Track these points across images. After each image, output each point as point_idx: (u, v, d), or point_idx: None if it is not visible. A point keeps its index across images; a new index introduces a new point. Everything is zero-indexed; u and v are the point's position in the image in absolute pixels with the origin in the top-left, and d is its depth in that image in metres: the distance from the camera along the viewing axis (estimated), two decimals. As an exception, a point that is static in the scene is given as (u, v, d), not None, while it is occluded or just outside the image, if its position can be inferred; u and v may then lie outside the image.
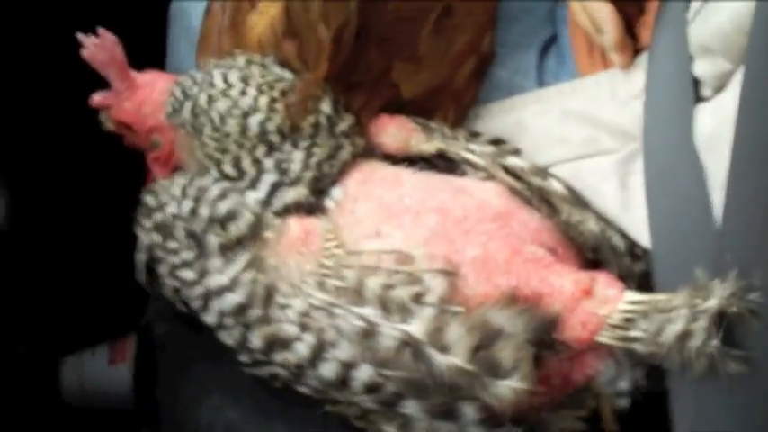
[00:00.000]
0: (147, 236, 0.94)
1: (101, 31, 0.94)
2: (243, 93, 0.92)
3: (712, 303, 0.73)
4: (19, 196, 1.19)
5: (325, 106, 0.93)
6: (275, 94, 0.92)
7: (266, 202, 0.89)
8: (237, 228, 0.88)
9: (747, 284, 0.71)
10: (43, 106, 1.22)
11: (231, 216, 0.88)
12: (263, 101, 0.91)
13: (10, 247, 1.28)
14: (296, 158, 0.90)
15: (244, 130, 0.90)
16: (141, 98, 0.95)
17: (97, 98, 0.96)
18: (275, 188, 0.89)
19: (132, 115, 0.96)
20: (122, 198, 0.96)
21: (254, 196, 0.89)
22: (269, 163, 0.90)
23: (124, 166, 1.07)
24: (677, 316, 0.75)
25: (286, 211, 0.89)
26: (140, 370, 1.16)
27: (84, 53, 0.94)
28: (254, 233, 0.88)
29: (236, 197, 0.89)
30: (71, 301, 1.34)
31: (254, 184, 0.90)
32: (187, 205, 0.90)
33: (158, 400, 1.06)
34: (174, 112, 0.94)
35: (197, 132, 0.92)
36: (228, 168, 0.90)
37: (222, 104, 0.91)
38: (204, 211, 0.89)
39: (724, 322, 0.73)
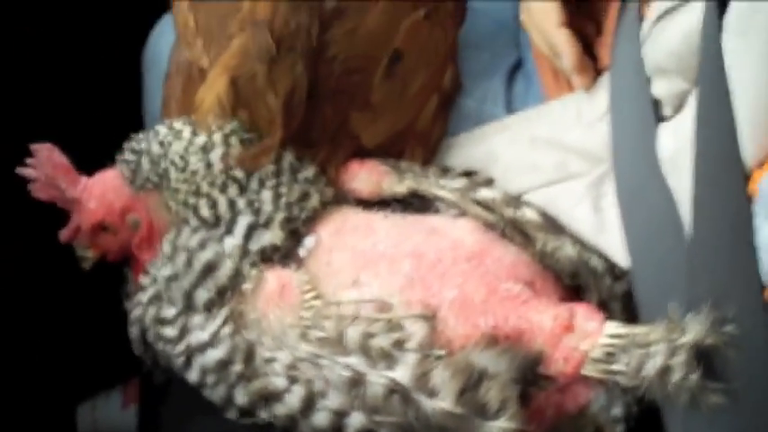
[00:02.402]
0: (137, 309, 0.94)
1: (32, 148, 0.93)
2: (194, 134, 0.93)
3: (689, 338, 0.73)
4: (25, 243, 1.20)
5: (288, 155, 0.93)
6: (227, 131, 0.93)
7: (244, 249, 0.89)
8: (218, 279, 0.88)
9: (721, 317, 0.71)
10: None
11: (212, 267, 0.88)
12: (218, 136, 0.92)
13: (20, 296, 1.29)
14: (265, 198, 0.91)
15: (208, 164, 0.91)
16: (100, 189, 0.94)
17: (66, 233, 0.95)
18: (251, 230, 0.89)
19: (101, 209, 0.94)
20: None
21: (232, 242, 0.89)
22: (242, 203, 0.90)
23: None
24: (656, 351, 0.75)
25: (263, 257, 0.89)
26: (144, 417, 1.17)
27: (30, 177, 0.93)
28: (234, 284, 0.88)
29: (214, 246, 0.89)
30: (83, 346, 1.35)
31: (230, 228, 0.90)
32: (181, 259, 0.90)
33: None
34: (133, 174, 0.93)
35: (164, 181, 0.92)
36: (206, 211, 0.90)
37: (177, 145, 0.92)
38: (197, 264, 0.89)
39: (703, 355, 0.73)
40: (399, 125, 1.00)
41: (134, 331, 0.95)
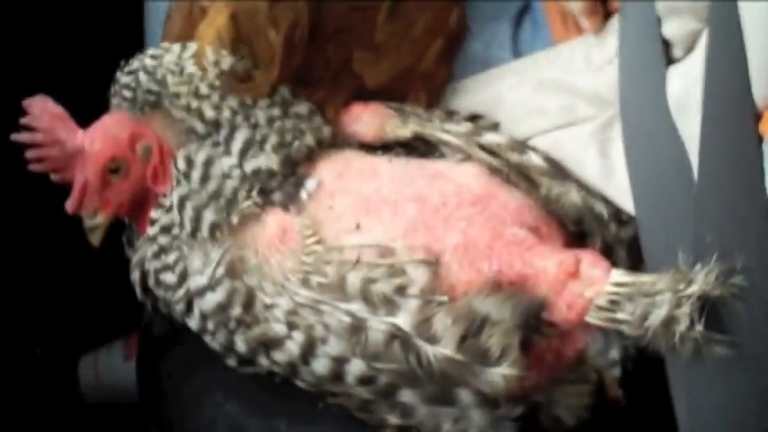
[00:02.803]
0: (138, 252, 0.94)
1: (25, 103, 0.90)
2: (184, 48, 0.92)
3: (695, 289, 0.72)
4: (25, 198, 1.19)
5: (282, 90, 0.92)
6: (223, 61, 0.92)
7: (242, 172, 0.88)
8: (222, 201, 0.88)
9: (730, 268, 0.70)
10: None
11: (219, 186, 0.88)
12: (209, 50, 0.91)
13: (23, 251, 1.28)
14: (260, 116, 0.90)
15: (203, 68, 0.90)
16: (101, 129, 0.92)
17: (73, 201, 0.91)
18: (247, 145, 0.89)
19: (108, 146, 0.91)
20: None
21: (230, 161, 0.89)
22: (240, 115, 0.90)
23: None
24: (661, 301, 0.75)
25: (261, 187, 0.89)
26: (143, 368, 1.17)
27: (29, 125, 0.90)
28: (231, 210, 0.88)
29: (219, 164, 0.89)
30: (85, 299, 1.35)
31: (228, 143, 0.89)
32: (197, 175, 0.89)
33: (162, 398, 1.07)
34: (132, 93, 0.91)
35: (164, 89, 0.90)
36: (210, 113, 0.89)
37: (169, 57, 0.92)
38: (212, 181, 0.88)
39: (707, 306, 0.72)
40: (403, 65, 0.98)
41: (135, 276, 0.95)
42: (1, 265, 1.28)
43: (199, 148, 0.89)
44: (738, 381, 0.72)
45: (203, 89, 0.90)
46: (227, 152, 0.89)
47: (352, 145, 0.95)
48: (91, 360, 1.38)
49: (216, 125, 0.89)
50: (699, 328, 0.73)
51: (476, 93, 0.99)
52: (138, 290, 0.95)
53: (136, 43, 1.15)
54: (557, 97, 0.94)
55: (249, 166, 0.89)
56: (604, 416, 0.88)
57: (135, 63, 0.92)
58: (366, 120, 0.95)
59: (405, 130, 0.94)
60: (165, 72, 0.91)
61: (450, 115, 0.96)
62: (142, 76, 0.91)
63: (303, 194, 0.90)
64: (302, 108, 0.93)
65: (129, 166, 0.92)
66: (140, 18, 1.22)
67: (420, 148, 0.94)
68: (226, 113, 0.89)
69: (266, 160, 0.89)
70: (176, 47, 0.92)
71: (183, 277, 0.89)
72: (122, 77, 0.92)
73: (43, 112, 0.90)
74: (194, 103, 0.90)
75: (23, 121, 0.90)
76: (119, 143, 0.91)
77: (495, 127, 0.95)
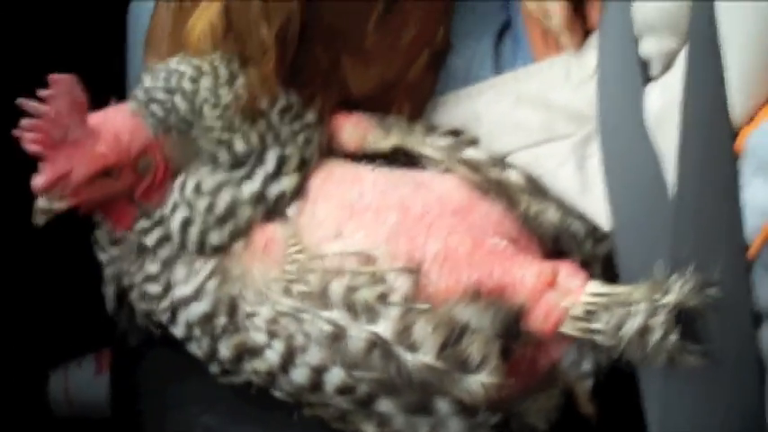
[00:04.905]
0: (112, 265, 0.93)
1: (54, 77, 0.83)
2: (213, 65, 0.90)
3: (670, 298, 0.74)
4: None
5: (293, 97, 0.92)
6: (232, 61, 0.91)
7: (260, 196, 0.88)
8: (235, 223, 0.87)
9: (705, 279, 0.71)
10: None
11: (231, 211, 0.87)
12: (235, 67, 0.90)
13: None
14: (285, 131, 0.90)
15: (236, 96, 0.89)
16: (113, 132, 0.86)
17: (46, 180, 0.84)
18: (281, 162, 0.88)
19: (114, 153, 0.86)
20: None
21: (250, 188, 0.88)
22: (270, 137, 0.89)
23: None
24: (637, 310, 0.76)
25: (278, 202, 0.88)
26: (117, 380, 1.16)
27: (34, 111, 0.83)
28: (243, 232, 0.88)
29: (231, 190, 0.88)
30: (57, 312, 1.34)
31: (254, 169, 0.88)
32: (203, 203, 0.88)
33: (136, 410, 1.06)
34: (166, 113, 0.87)
35: (198, 122, 0.88)
36: (240, 147, 0.88)
37: (206, 81, 0.88)
38: (218, 207, 0.87)
39: (682, 317, 0.74)
40: (389, 75, 0.99)
41: (109, 290, 0.94)
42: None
43: (209, 173, 0.88)
44: (711, 392, 0.73)
45: (237, 122, 0.88)
46: (249, 178, 0.88)
47: (335, 154, 0.95)
48: (61, 374, 1.37)
49: (243, 157, 0.88)
50: (673, 337, 0.74)
51: (456, 108, 1.01)
52: (110, 303, 0.94)
53: (117, 39, 1.15)
54: (535, 113, 0.95)
55: (273, 190, 0.88)
56: (575, 428, 0.89)
57: (172, 79, 0.88)
58: (348, 130, 0.95)
59: (386, 142, 0.94)
60: (202, 102, 0.88)
61: (432, 129, 0.97)
62: (179, 102, 0.88)
63: (290, 207, 0.89)
64: (311, 116, 0.93)
65: (123, 173, 0.88)
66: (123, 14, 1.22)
67: (401, 160, 0.95)
68: (254, 140, 0.88)
69: (289, 182, 0.89)
70: (206, 66, 0.89)
71: (168, 287, 0.89)
72: (157, 92, 0.88)
73: (65, 93, 0.84)
74: (225, 136, 0.88)
75: (41, 92, 0.83)
76: (124, 153, 0.87)
77: (475, 142, 0.96)
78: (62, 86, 0.83)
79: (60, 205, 0.86)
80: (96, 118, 0.87)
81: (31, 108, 0.83)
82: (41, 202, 0.85)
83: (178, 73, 0.89)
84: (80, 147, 0.85)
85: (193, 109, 0.88)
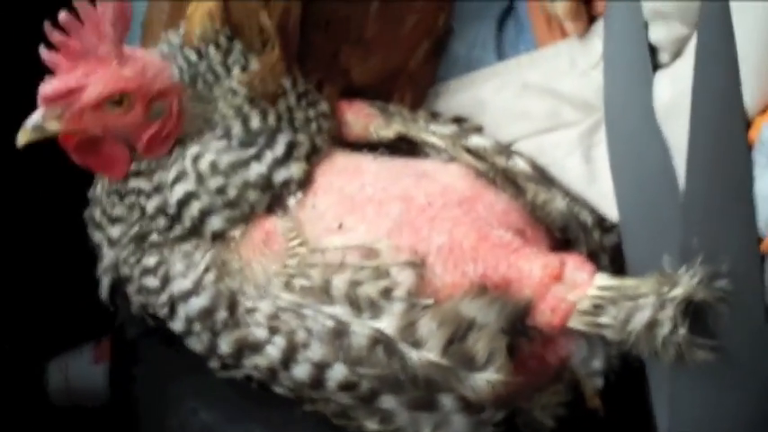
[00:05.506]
0: (111, 249, 0.91)
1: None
2: (229, 39, 0.87)
3: (679, 292, 0.72)
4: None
5: (305, 85, 0.90)
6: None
7: (267, 181, 0.86)
8: (241, 210, 0.86)
9: (714, 271, 0.70)
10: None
11: (240, 196, 0.85)
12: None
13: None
14: (300, 116, 0.88)
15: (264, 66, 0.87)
16: (141, 63, 0.83)
17: (54, 91, 0.80)
18: (290, 148, 0.86)
19: (136, 80, 0.82)
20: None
21: (257, 170, 0.85)
22: (285, 122, 0.87)
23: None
24: (645, 304, 0.74)
25: (282, 189, 0.86)
26: (116, 372, 1.15)
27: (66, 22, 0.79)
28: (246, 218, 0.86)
29: (244, 174, 0.86)
30: (56, 301, 1.33)
31: (263, 150, 0.86)
32: (215, 183, 0.85)
33: (135, 403, 1.06)
34: (197, 58, 0.86)
35: (225, 80, 0.86)
36: (256, 123, 0.86)
37: (239, 44, 0.87)
38: (231, 191, 0.85)
39: (691, 310, 0.72)
40: (391, 64, 0.98)
41: (105, 280, 0.93)
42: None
43: (224, 151, 0.86)
44: (722, 387, 0.72)
45: (258, 98, 0.87)
46: (257, 159, 0.86)
47: (336, 142, 0.93)
48: (60, 363, 1.36)
49: (255, 134, 0.86)
50: (682, 331, 0.72)
51: (459, 95, 0.99)
52: (105, 293, 0.93)
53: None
54: (541, 101, 0.94)
55: (280, 176, 0.86)
56: (583, 425, 0.87)
57: (209, 32, 0.86)
58: (350, 119, 0.94)
59: (388, 131, 0.93)
60: (234, 61, 0.87)
61: (435, 117, 0.96)
62: (213, 53, 0.86)
63: (291, 199, 0.87)
64: (323, 106, 0.91)
65: (134, 108, 0.84)
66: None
67: (403, 148, 0.93)
68: (271, 119, 0.87)
69: (297, 169, 0.87)
70: (222, 38, 0.87)
71: (166, 281, 0.87)
72: (187, 49, 0.86)
73: (121, 17, 0.81)
74: (246, 107, 0.87)
75: (61, 17, 0.79)
76: (145, 88, 0.83)
77: (479, 130, 0.94)
78: (115, 11, 0.80)
79: (54, 127, 0.82)
80: (133, 50, 0.85)
81: (62, 20, 0.79)
82: (35, 117, 0.81)
83: (214, 29, 0.86)
84: (105, 64, 0.82)
85: (225, 63, 0.86)
